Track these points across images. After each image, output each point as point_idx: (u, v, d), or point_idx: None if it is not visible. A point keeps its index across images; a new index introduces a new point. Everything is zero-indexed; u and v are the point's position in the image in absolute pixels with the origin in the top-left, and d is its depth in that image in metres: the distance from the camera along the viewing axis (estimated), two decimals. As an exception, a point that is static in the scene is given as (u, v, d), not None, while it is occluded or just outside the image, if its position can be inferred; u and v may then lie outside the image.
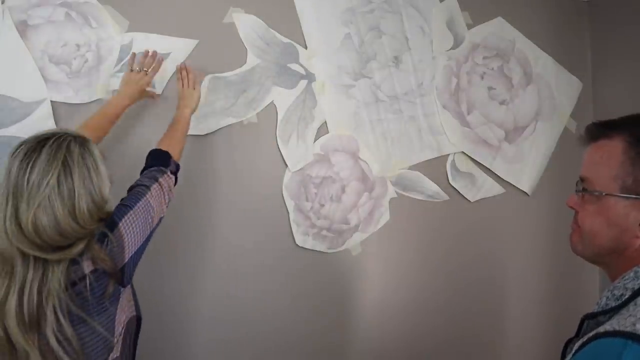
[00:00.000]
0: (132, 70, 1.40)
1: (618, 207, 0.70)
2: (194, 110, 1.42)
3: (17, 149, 0.91)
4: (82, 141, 0.96)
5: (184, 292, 1.57)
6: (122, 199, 1.06)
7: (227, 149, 1.61)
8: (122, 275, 0.98)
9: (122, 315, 1.00)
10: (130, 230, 1.00)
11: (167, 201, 1.14)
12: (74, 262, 0.91)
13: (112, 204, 1.01)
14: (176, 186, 1.21)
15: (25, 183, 0.87)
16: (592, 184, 0.74)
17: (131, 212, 1.02)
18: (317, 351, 1.72)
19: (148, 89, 1.45)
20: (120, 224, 0.99)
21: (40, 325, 0.87)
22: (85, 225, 0.91)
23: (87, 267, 0.92)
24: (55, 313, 0.87)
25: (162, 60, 1.47)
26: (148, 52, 1.43)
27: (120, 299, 0.99)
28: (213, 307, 1.60)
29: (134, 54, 1.43)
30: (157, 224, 1.10)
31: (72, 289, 0.90)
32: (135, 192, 1.08)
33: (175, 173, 1.22)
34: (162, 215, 1.12)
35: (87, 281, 0.91)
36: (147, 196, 1.07)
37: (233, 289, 1.62)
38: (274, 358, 1.66)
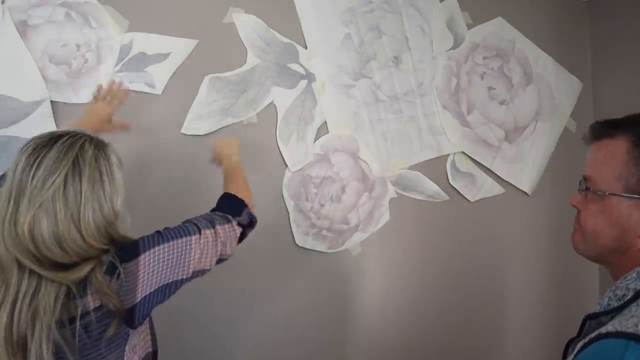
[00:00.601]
0: (96, 99, 1.33)
1: (621, 207, 0.70)
2: (238, 156, 1.29)
3: (27, 144, 0.83)
4: (98, 143, 0.87)
5: (182, 290, 1.56)
6: (165, 228, 0.93)
7: (227, 149, 1.61)
8: (130, 316, 0.85)
9: (134, 356, 0.89)
10: (152, 267, 0.86)
11: (218, 254, 0.99)
12: (75, 295, 0.79)
13: (124, 220, 0.90)
14: (235, 222, 1.05)
15: (30, 180, 0.78)
16: (595, 184, 0.74)
17: (164, 246, 0.88)
18: (317, 351, 1.72)
19: (116, 119, 1.35)
20: (142, 257, 0.85)
21: (26, 350, 0.77)
22: (89, 239, 0.80)
23: (92, 302, 0.80)
24: (41, 346, 0.76)
25: (127, 92, 1.40)
26: (114, 82, 1.37)
27: (130, 340, 0.87)
28: (212, 306, 1.59)
29: (100, 86, 1.35)
30: (192, 277, 0.95)
31: (69, 327, 0.78)
32: (181, 227, 0.94)
33: (245, 227, 1.07)
34: (204, 269, 0.98)
35: (84, 320, 0.79)
36: (192, 238, 0.93)
37: (232, 289, 1.62)
38: (273, 357, 1.66)
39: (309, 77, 1.70)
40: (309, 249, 1.70)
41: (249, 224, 1.10)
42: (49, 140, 0.83)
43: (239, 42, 1.62)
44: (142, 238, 0.88)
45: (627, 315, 0.61)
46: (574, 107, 2.09)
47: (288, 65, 1.68)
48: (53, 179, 0.79)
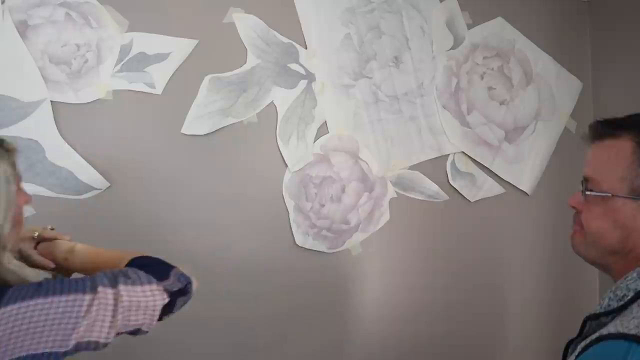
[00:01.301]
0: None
1: (625, 209, 0.68)
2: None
3: None
4: None
5: (184, 292, 1.56)
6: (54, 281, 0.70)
7: (227, 149, 1.61)
8: None
9: None
10: (12, 328, 0.62)
11: (117, 323, 0.71)
12: None
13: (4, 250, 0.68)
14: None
15: None
16: (598, 185, 0.72)
17: (38, 301, 0.64)
18: (317, 351, 1.72)
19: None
20: (2, 311, 0.61)
21: None
22: None
23: None
24: None
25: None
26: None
27: None
28: (211, 306, 1.59)
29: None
30: (75, 351, 0.68)
31: None
32: (73, 281, 0.70)
33: (175, 295, 0.79)
34: (97, 341, 0.69)
35: None
36: (85, 297, 0.67)
37: (232, 289, 1.61)
38: (272, 358, 1.66)
39: (309, 77, 1.70)
40: (309, 249, 1.70)
41: (181, 292, 0.81)
42: None
43: (239, 42, 1.62)
44: (14, 287, 0.65)
45: (628, 316, 0.61)
46: (574, 107, 2.09)
47: (288, 65, 1.68)
48: None
